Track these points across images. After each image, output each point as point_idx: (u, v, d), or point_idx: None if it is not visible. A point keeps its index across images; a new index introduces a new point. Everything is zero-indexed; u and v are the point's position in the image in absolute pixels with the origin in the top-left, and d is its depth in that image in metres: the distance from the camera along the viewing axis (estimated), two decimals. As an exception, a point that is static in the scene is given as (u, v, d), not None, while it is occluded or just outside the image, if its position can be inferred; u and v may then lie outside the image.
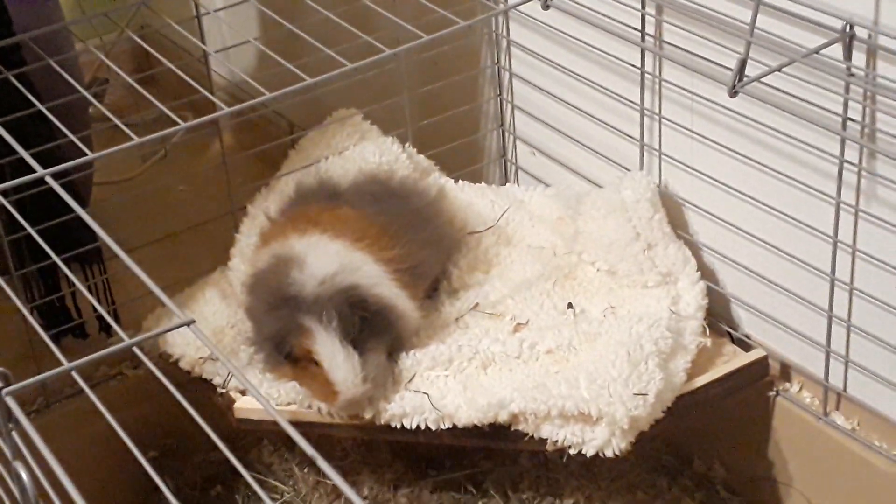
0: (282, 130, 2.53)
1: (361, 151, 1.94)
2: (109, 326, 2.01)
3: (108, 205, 2.32)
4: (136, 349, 1.09)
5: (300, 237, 1.65)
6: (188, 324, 1.07)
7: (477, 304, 1.76)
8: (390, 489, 1.87)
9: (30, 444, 1.00)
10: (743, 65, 1.41)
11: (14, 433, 1.00)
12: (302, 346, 1.55)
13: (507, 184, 2.13)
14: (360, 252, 1.64)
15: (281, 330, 1.57)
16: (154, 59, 1.86)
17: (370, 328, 1.57)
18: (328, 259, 1.60)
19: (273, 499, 1.88)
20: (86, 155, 1.46)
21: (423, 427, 1.58)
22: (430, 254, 1.76)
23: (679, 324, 1.68)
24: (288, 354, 1.58)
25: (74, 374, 1.04)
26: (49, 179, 1.35)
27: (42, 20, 1.95)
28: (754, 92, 1.47)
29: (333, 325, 1.52)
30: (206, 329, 1.75)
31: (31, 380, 1.01)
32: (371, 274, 1.62)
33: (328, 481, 1.90)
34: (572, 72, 1.94)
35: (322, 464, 0.94)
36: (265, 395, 1.61)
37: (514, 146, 2.16)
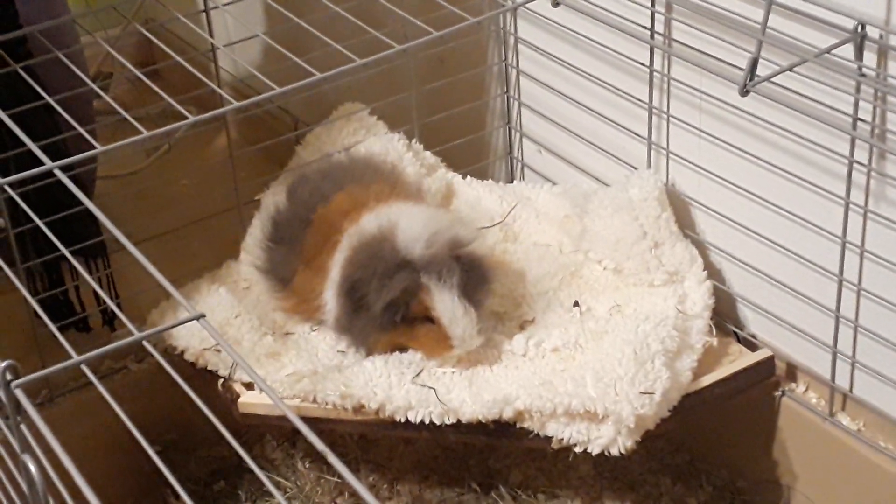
0: (285, 125, 2.52)
1: (368, 147, 1.93)
2: (112, 320, 2.01)
3: (111, 199, 2.31)
4: (145, 342, 1.08)
5: (373, 212, 1.65)
6: (198, 318, 1.07)
7: (483, 302, 1.75)
8: (392, 487, 1.87)
9: (37, 437, 0.99)
10: (754, 64, 1.41)
11: (22, 426, 1.00)
12: (421, 304, 1.57)
13: (514, 181, 2.12)
14: (426, 209, 1.67)
15: (404, 292, 1.57)
16: (157, 53, 1.85)
17: (473, 280, 1.60)
18: (421, 221, 1.61)
19: (276, 495, 1.87)
20: (92, 148, 1.45)
21: (427, 422, 1.57)
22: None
23: (685, 323, 1.68)
24: (403, 316, 1.59)
25: (84, 368, 1.04)
26: (58, 172, 1.34)
27: (48, 13, 1.94)
28: (764, 91, 1.47)
29: (450, 281, 1.56)
30: (213, 321, 1.74)
31: (41, 372, 1.01)
32: (457, 226, 1.64)
33: (331, 477, 1.89)
34: (580, 69, 1.93)
35: (332, 459, 0.94)
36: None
37: (521, 143, 2.15)
